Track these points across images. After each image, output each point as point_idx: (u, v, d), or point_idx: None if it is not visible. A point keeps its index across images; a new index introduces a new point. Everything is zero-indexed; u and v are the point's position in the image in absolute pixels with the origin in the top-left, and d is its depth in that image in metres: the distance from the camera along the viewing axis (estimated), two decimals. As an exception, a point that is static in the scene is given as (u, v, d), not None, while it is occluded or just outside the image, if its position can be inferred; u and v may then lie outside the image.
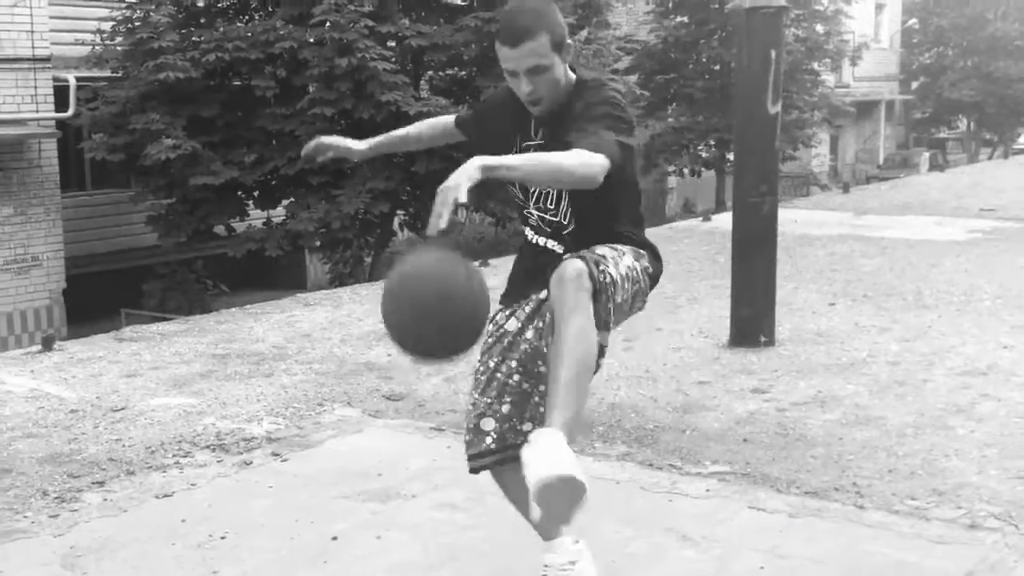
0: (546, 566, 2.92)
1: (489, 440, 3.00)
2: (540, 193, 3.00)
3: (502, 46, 2.80)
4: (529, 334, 3.01)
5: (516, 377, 3.01)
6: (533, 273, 3.03)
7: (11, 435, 4.84)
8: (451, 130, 3.35)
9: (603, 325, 2.72)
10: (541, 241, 3.05)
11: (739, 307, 6.36)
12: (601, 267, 2.73)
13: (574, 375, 2.59)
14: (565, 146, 2.69)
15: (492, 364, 3.02)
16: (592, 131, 2.71)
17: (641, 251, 3.02)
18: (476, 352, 2.95)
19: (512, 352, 3.02)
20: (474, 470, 3.06)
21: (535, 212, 3.04)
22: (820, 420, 4.88)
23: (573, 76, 2.92)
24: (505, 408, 3.01)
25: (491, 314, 2.93)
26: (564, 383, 2.58)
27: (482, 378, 3.04)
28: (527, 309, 3.04)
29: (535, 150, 2.91)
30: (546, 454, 2.46)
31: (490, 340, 3.05)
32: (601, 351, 2.78)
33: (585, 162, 2.61)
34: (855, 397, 5.24)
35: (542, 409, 2.98)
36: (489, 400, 3.01)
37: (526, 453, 2.51)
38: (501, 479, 3.10)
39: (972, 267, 8.92)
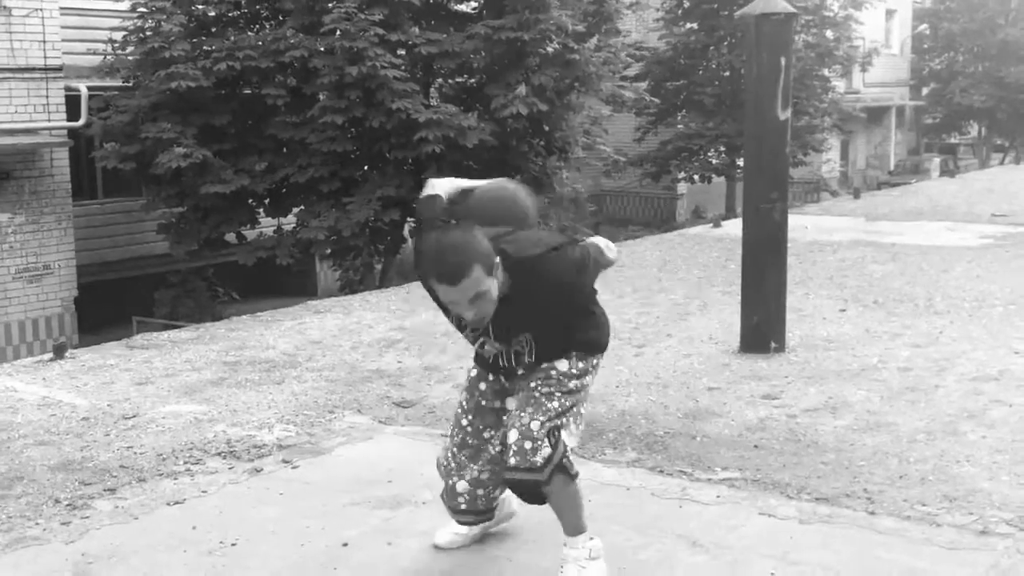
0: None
1: (462, 503, 3.44)
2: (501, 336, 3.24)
3: (439, 284, 2.94)
4: (510, 405, 3.34)
5: (497, 444, 3.36)
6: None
7: (23, 442, 4.86)
8: None
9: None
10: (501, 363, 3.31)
11: (749, 313, 6.35)
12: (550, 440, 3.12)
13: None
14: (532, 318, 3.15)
15: (486, 436, 3.38)
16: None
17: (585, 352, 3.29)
18: (461, 394, 3.45)
19: (499, 425, 3.36)
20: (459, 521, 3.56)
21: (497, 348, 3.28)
22: (831, 426, 4.87)
23: (502, 275, 3.05)
24: (484, 476, 3.40)
25: (468, 377, 3.44)
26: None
27: (471, 442, 3.40)
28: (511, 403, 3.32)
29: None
30: None
31: (479, 402, 3.39)
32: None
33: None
34: (866, 403, 5.23)
35: (499, 468, 3.36)
36: (473, 467, 3.40)
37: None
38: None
39: (984, 273, 8.90)
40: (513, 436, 3.13)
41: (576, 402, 3.23)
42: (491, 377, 3.36)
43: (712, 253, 10.42)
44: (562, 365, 3.21)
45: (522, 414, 3.15)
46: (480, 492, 3.40)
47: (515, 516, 3.70)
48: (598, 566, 3.26)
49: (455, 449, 3.40)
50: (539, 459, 3.09)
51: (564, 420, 3.17)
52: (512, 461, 3.11)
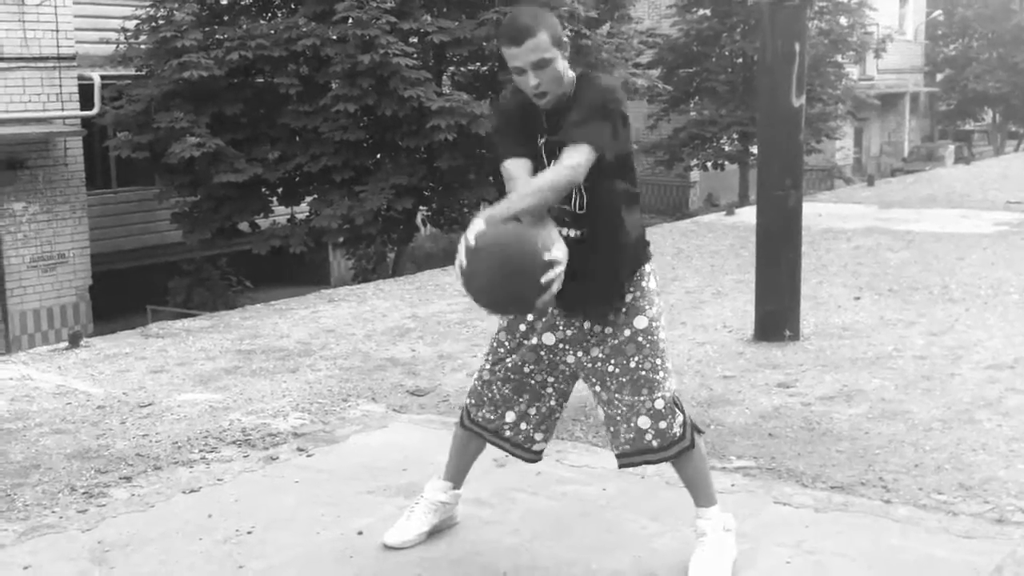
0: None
1: (507, 429, 3.41)
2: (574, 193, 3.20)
3: (509, 46, 3.09)
4: (570, 359, 3.30)
5: (550, 390, 3.37)
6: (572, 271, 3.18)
7: (39, 431, 4.88)
8: (522, 168, 3.26)
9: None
10: (563, 231, 3.17)
11: (763, 301, 6.34)
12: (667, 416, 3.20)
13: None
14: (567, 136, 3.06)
15: (527, 370, 3.33)
16: (582, 123, 3.04)
17: (647, 266, 3.32)
18: (498, 332, 3.37)
19: (552, 370, 3.33)
20: (492, 442, 3.48)
21: (568, 212, 3.21)
22: (846, 414, 4.86)
23: (572, 74, 3.17)
24: (532, 411, 3.39)
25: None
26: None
27: (512, 376, 3.34)
28: (568, 332, 3.27)
29: (550, 143, 3.17)
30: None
31: (519, 341, 3.32)
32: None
33: (570, 166, 2.99)
34: (881, 391, 5.21)
35: (556, 415, 3.45)
36: (520, 400, 3.37)
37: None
38: (462, 438, 3.56)
39: (999, 260, 8.86)
40: (645, 422, 3.18)
41: (666, 350, 3.26)
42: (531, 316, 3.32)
43: (725, 241, 10.39)
44: (640, 322, 3.20)
45: (640, 397, 3.18)
46: (523, 426, 3.41)
47: (542, 501, 3.68)
48: (732, 539, 3.34)
49: (499, 383, 3.38)
50: (677, 430, 3.22)
51: (671, 380, 3.24)
52: (655, 443, 3.20)
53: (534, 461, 3.50)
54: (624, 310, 3.22)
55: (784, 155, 6.22)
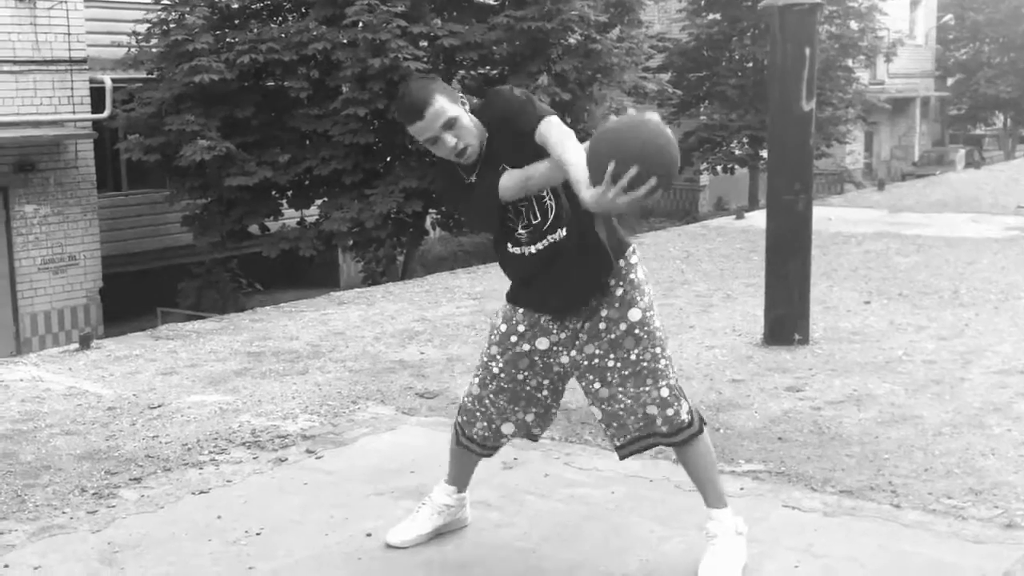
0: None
1: (505, 441, 3.50)
2: (527, 211, 3.22)
3: (413, 122, 3.12)
4: (564, 359, 3.31)
5: (544, 392, 3.41)
6: (544, 280, 3.25)
7: (50, 432, 4.90)
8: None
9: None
10: (535, 249, 3.22)
11: (773, 305, 6.33)
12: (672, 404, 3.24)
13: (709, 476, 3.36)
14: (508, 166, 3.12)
15: (520, 377, 3.35)
16: (547, 133, 3.02)
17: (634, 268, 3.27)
18: (490, 347, 3.39)
19: (546, 372, 3.36)
20: (487, 456, 3.57)
21: (523, 231, 3.24)
22: (855, 419, 4.85)
23: (476, 119, 3.21)
24: (529, 417, 3.44)
25: (500, 313, 3.40)
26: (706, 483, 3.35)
27: (506, 386, 3.37)
28: (562, 335, 3.28)
29: (476, 187, 3.22)
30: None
31: (512, 351, 3.34)
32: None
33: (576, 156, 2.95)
34: (891, 396, 5.20)
35: (553, 411, 3.48)
36: (516, 409, 3.41)
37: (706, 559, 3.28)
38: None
39: (1009, 265, 8.83)
40: (654, 411, 3.22)
41: (663, 337, 3.27)
42: (518, 324, 3.32)
43: (735, 245, 10.39)
44: (635, 315, 3.20)
45: (645, 387, 3.21)
46: (521, 433, 3.47)
47: (534, 508, 3.68)
48: (743, 544, 3.32)
49: (492, 396, 3.39)
50: (685, 417, 3.26)
51: (673, 367, 3.28)
52: (664, 429, 3.25)
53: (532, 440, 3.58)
54: (616, 304, 3.21)
55: (794, 159, 6.22)
